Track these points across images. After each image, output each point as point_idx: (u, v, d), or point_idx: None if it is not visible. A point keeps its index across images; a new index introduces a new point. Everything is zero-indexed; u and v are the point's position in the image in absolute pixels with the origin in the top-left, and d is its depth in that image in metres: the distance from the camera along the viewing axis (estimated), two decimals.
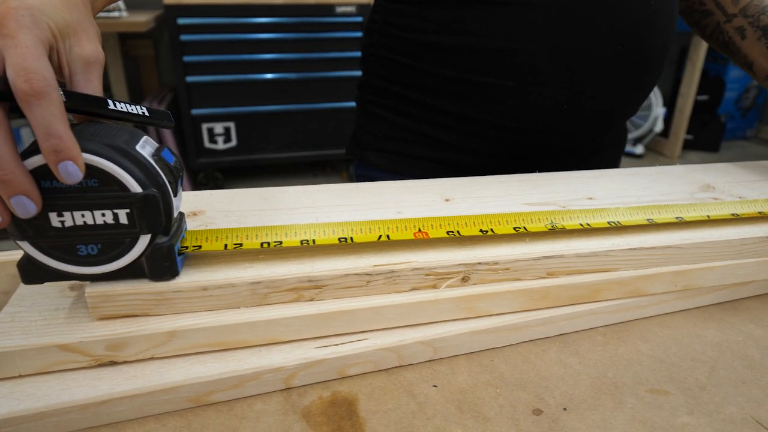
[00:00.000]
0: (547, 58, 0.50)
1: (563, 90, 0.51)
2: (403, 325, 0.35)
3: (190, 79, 2.14)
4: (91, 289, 0.30)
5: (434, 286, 0.35)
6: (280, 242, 0.34)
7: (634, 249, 0.37)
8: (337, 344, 0.33)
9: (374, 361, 0.34)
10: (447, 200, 0.44)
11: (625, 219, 0.39)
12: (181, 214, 0.34)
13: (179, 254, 0.32)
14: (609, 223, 0.39)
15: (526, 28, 0.49)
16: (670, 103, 2.95)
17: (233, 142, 2.30)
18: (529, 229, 0.37)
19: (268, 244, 0.34)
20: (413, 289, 0.35)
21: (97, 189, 0.28)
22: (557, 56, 0.50)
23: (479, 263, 0.35)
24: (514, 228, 0.37)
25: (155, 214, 0.29)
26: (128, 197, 0.28)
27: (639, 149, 2.89)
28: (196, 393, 0.30)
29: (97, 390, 0.29)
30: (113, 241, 0.30)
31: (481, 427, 0.30)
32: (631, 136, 2.91)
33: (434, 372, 0.34)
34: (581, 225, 0.38)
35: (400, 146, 0.59)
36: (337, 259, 0.34)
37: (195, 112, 2.21)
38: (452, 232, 0.36)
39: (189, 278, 0.32)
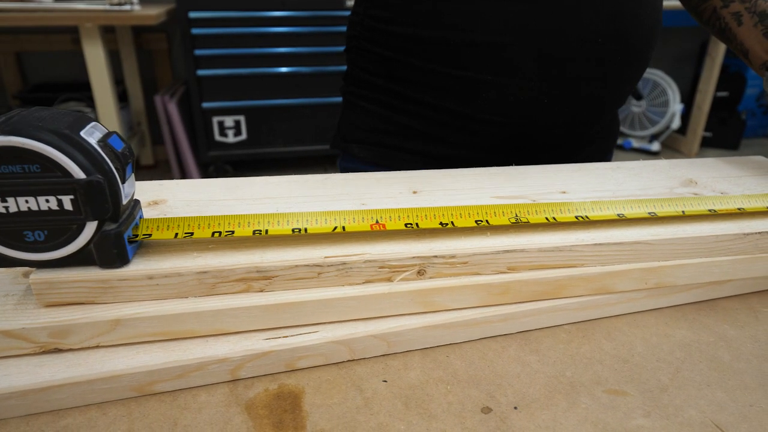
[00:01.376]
0: (525, 52, 0.49)
1: (543, 84, 0.50)
2: (356, 319, 0.34)
3: (200, 72, 2.16)
4: (36, 276, 0.30)
5: (389, 279, 0.34)
6: (232, 232, 0.34)
7: (601, 244, 0.36)
8: (286, 336, 0.33)
9: (325, 355, 0.33)
10: (414, 192, 0.43)
11: (594, 214, 0.38)
12: (136, 202, 0.34)
13: (131, 242, 0.32)
14: (576, 217, 0.38)
15: (503, 22, 0.48)
16: (688, 99, 2.88)
17: (243, 136, 2.31)
18: (491, 223, 0.36)
19: (220, 233, 0.33)
20: (367, 281, 0.34)
21: (40, 175, 0.28)
22: (536, 50, 0.49)
23: (435, 256, 0.34)
24: (476, 221, 0.36)
25: (101, 200, 0.29)
26: (71, 183, 0.28)
27: (655, 146, 2.83)
28: (139, 382, 0.30)
29: (38, 377, 0.29)
30: (59, 228, 0.30)
31: (425, 425, 0.30)
32: (646, 132, 2.85)
33: (386, 367, 0.34)
34: (547, 219, 0.37)
35: (383, 138, 0.58)
36: (289, 250, 0.34)
37: (206, 105, 2.22)
38: (410, 224, 0.35)
39: (135, 267, 0.31)
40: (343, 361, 0.34)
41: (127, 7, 1.83)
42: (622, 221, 0.39)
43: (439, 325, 0.35)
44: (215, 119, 2.26)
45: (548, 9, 0.48)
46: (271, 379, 0.32)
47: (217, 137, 2.29)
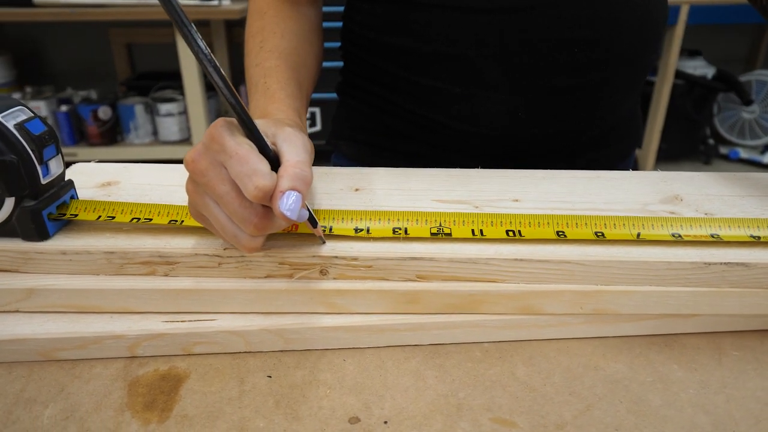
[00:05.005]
0: (491, 64, 0.46)
1: (514, 96, 0.47)
2: (255, 312, 0.34)
3: None
4: None
5: (290, 276, 0.34)
6: (150, 219, 0.35)
7: (522, 260, 0.33)
8: (183, 321, 0.34)
9: (220, 343, 0.34)
10: (356, 190, 0.42)
11: (527, 230, 0.35)
12: (68, 182, 0.37)
13: (54, 219, 0.35)
14: (507, 233, 0.35)
15: (467, 34, 0.45)
16: None
17: (318, 127, 2.38)
18: (410, 233, 0.35)
19: (138, 219, 0.35)
20: (269, 276, 0.34)
21: None
22: (503, 63, 0.46)
23: (336, 257, 0.33)
24: (393, 229, 0.35)
25: (15, 178, 0.32)
26: None
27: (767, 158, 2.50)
28: (44, 348, 0.33)
29: None
30: None
31: (286, 425, 0.29)
32: (758, 142, 2.54)
33: (279, 363, 0.34)
34: (473, 232, 0.35)
35: (369, 137, 0.57)
36: (196, 239, 0.35)
37: None
38: (324, 227, 0.35)
39: (53, 242, 0.34)
40: (239, 352, 0.34)
41: (215, 2, 1.96)
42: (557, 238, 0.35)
43: (340, 327, 0.34)
44: None
45: (513, 20, 0.44)
46: (165, 361, 0.34)
47: None
